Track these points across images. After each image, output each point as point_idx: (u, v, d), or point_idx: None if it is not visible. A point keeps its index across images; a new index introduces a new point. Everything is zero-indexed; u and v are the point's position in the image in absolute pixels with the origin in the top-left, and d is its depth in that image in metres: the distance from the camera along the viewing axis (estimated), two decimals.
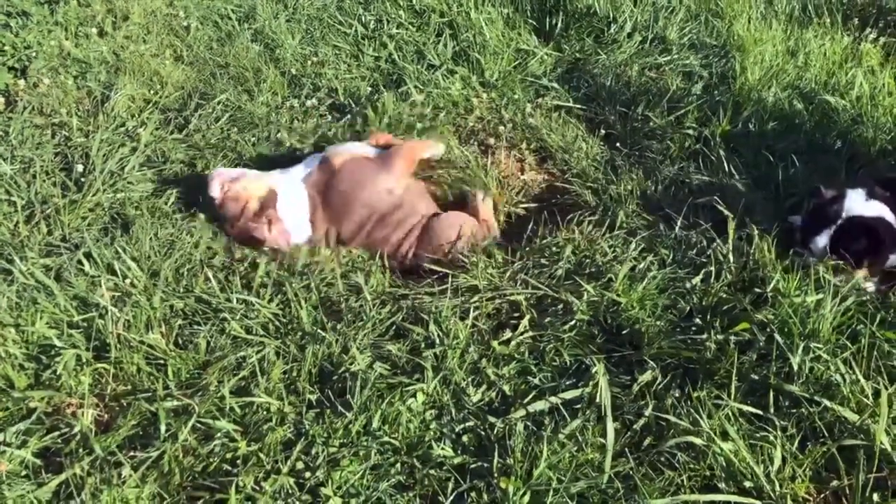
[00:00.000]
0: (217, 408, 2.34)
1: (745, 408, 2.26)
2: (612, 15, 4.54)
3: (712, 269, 2.82)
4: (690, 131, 3.66)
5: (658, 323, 2.65)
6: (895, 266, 2.85)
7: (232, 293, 2.77)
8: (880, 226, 2.77)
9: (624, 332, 2.64)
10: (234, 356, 2.50)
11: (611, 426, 2.16)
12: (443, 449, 2.26)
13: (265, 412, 2.35)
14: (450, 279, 2.85)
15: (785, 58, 4.09)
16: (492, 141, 3.80)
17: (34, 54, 4.21)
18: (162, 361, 2.50)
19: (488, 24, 4.50)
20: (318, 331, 2.61)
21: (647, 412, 2.30)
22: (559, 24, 4.56)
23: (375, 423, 2.31)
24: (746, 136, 3.59)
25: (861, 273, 2.79)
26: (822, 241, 2.84)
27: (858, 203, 2.85)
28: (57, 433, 2.30)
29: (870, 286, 2.80)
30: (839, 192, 2.90)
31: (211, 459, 2.23)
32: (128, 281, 2.77)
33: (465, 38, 4.42)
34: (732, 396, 2.30)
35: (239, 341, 2.59)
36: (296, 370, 2.51)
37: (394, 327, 2.69)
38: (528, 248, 3.08)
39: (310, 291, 2.84)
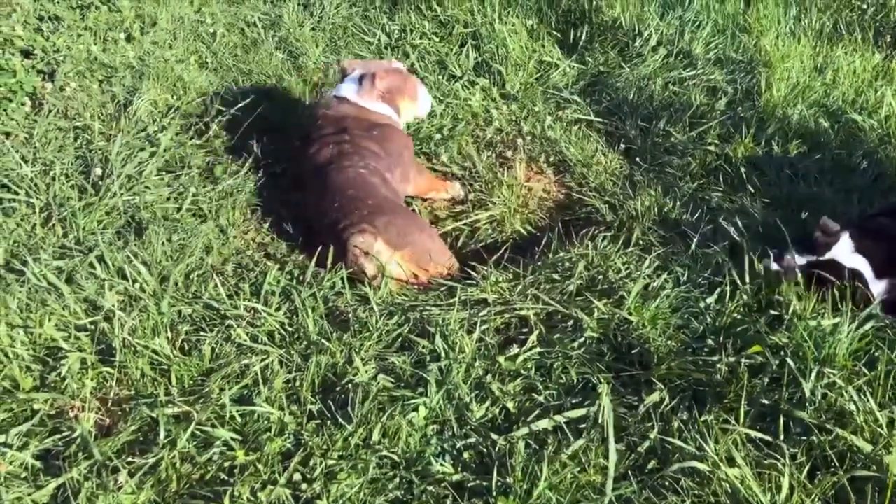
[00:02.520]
0: (217, 416, 2.33)
1: (754, 433, 2.20)
2: (637, 28, 4.51)
3: (727, 289, 2.76)
4: (712, 147, 3.61)
5: (669, 343, 2.59)
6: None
7: (240, 300, 2.77)
8: (853, 281, 2.73)
9: (634, 351, 2.59)
10: (238, 364, 2.49)
11: (613, 448, 2.11)
12: (442, 465, 2.22)
13: (265, 421, 2.34)
14: (458, 292, 2.82)
15: (812, 75, 4.02)
16: (509, 153, 3.77)
17: (63, 58, 4.27)
18: (166, 367, 2.50)
19: (512, 35, 4.49)
20: (323, 341, 2.59)
21: (653, 434, 2.24)
22: (583, 37, 4.54)
23: (375, 436, 2.28)
24: (769, 154, 3.52)
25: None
26: (800, 260, 2.82)
27: (844, 252, 2.83)
28: (58, 436, 2.30)
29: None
30: (836, 232, 2.85)
31: (208, 468, 2.21)
32: (137, 285, 2.77)
33: (488, 49, 4.42)
34: (741, 421, 2.24)
35: (244, 349, 2.58)
36: (299, 380, 2.49)
37: (400, 339, 2.67)
38: (540, 263, 3.03)
39: (317, 301, 2.82)
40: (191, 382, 2.48)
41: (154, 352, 2.52)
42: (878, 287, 2.74)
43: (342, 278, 2.97)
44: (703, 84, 4.07)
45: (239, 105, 3.95)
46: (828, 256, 2.80)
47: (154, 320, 2.64)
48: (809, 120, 3.67)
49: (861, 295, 2.69)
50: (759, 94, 3.89)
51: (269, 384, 2.44)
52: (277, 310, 2.76)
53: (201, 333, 2.64)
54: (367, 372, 2.50)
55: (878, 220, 2.94)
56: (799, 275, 2.73)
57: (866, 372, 2.37)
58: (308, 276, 2.96)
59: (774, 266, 2.79)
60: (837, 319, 2.48)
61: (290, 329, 2.70)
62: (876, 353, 2.45)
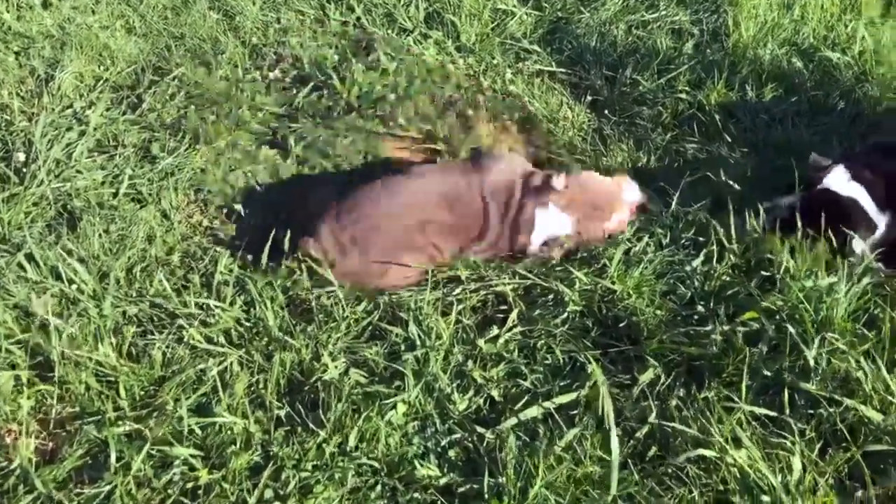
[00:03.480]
0: (175, 431, 2.10)
1: (759, 410, 2.06)
2: None
3: (714, 249, 2.60)
4: (683, 95, 3.41)
5: (657, 312, 2.43)
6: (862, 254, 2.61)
7: (190, 295, 2.52)
8: (851, 207, 2.56)
9: (621, 324, 2.42)
10: (194, 369, 2.26)
11: (615, 443, 1.94)
12: (427, 468, 2.04)
13: (229, 433, 2.12)
14: (430, 273, 2.61)
15: (781, 11, 3.81)
16: (471, 112, 3.52)
17: None
18: (113, 378, 2.26)
19: None
20: (286, 337, 2.37)
21: (651, 418, 2.09)
22: None
23: (352, 441, 2.09)
24: (743, 98, 3.34)
25: (858, 245, 2.58)
26: (788, 199, 2.65)
27: (839, 180, 2.64)
28: None
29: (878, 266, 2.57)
30: (828, 164, 2.68)
31: (169, 491, 1.99)
32: (74, 286, 2.50)
33: None
34: (744, 397, 2.09)
35: (199, 351, 2.34)
36: (262, 382, 2.27)
37: (370, 328, 2.46)
38: None
39: (275, 290, 2.58)
40: (142, 394, 2.24)
41: (98, 362, 2.26)
42: (881, 220, 2.59)
43: (300, 261, 2.73)
44: (668, 26, 3.85)
45: (173, 74, 3.62)
46: (821, 187, 2.63)
47: (96, 325, 2.38)
48: (782, 60, 3.49)
49: (863, 222, 2.53)
50: (727, 35, 3.69)
51: (229, 390, 2.22)
52: (232, 304, 2.51)
53: (149, 337, 2.40)
54: (336, 368, 2.29)
55: (872, 155, 2.77)
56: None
57: (868, 334, 2.24)
58: (263, 261, 2.71)
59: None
60: (833, 279, 2.34)
61: (247, 324, 2.47)
62: (876, 312, 2.32)
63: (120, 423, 2.11)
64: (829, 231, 2.48)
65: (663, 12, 3.94)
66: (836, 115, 3.21)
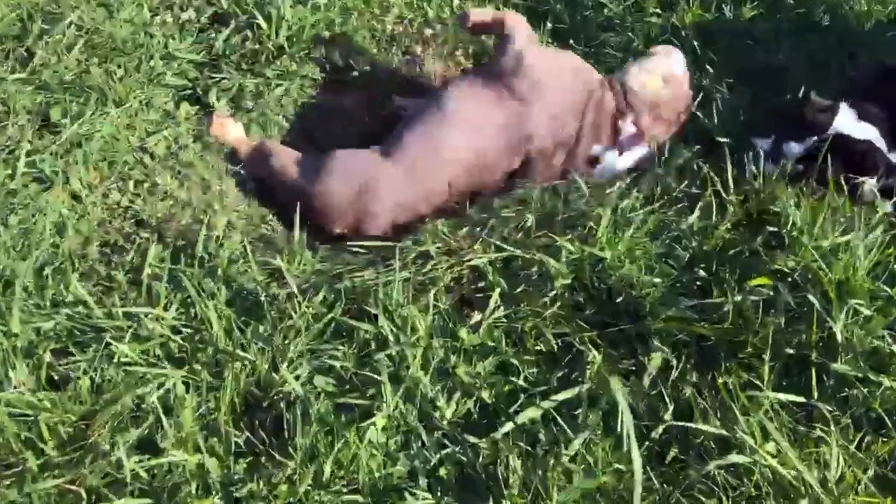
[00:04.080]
0: (113, 479, 1.76)
1: (787, 397, 1.83)
2: None
3: (711, 201, 2.33)
4: (654, 19, 3.07)
5: (655, 280, 2.16)
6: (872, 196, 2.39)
7: (116, 300, 2.13)
8: (868, 152, 2.32)
9: (617, 299, 2.15)
10: (129, 396, 1.90)
11: (638, 463, 1.68)
12: (418, 497, 1.76)
13: (180, 473, 1.79)
14: (397, 251, 2.27)
15: None
16: (418, 49, 3.12)
17: None
18: (31, 416, 1.88)
19: None
20: (236, 344, 2.02)
21: (667, 416, 1.84)
22: None
23: (327, 471, 1.78)
24: (721, 20, 3.02)
25: (869, 188, 2.36)
26: (798, 148, 2.38)
27: (849, 122, 2.38)
28: None
29: (888, 207, 2.35)
30: (831, 105, 2.41)
31: None
32: None
33: None
34: (766, 381, 1.86)
35: (133, 373, 1.97)
36: (213, 401, 1.93)
37: (333, 324, 2.12)
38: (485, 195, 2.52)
39: (217, 283, 2.21)
40: (69, 433, 1.88)
41: (9, 402, 1.88)
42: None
43: (244, 244, 2.36)
44: None
45: (68, 19, 3.08)
46: (832, 132, 2.37)
47: (4, 350, 1.98)
48: None
49: (884, 166, 2.29)
50: None
51: (174, 419, 1.87)
52: (167, 307, 2.14)
53: (72, 358, 2.01)
54: (298, 378, 1.96)
55: (870, 82, 2.51)
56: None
57: (889, 290, 2.02)
58: (199, 247, 2.32)
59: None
60: (849, 236, 2.09)
61: (188, 330, 2.10)
62: (894, 267, 2.10)
63: (45, 477, 1.75)
64: (848, 180, 2.25)
65: None
66: (822, 34, 2.93)
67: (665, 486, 1.75)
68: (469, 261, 2.28)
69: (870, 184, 2.31)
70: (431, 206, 2.66)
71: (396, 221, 2.64)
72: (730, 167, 2.34)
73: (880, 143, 2.33)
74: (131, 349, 1.99)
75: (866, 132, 2.34)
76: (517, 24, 2.67)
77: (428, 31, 3.16)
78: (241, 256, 2.34)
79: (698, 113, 2.62)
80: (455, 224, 2.44)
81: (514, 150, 2.63)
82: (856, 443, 1.75)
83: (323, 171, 2.63)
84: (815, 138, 2.36)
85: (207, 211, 2.57)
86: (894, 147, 2.35)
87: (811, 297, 1.95)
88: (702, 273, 2.18)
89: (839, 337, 1.88)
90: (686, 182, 2.42)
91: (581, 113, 2.63)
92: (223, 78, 2.94)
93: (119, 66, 2.95)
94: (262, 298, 2.18)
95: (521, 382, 1.97)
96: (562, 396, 1.91)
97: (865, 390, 1.81)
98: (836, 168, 2.31)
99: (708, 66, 2.86)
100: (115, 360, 1.99)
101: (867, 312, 1.95)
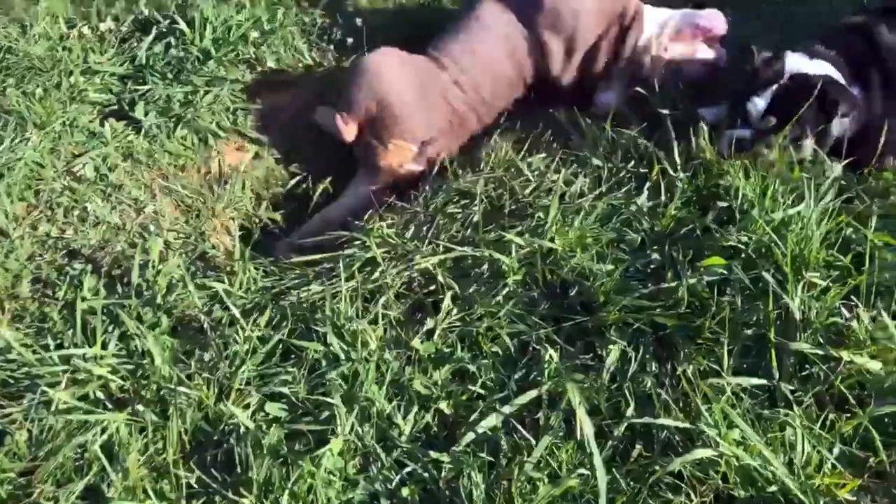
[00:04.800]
0: None
1: (749, 381, 1.79)
2: None
3: (659, 179, 2.27)
4: None
5: (608, 268, 2.10)
6: (842, 135, 2.33)
7: (50, 344, 2.03)
8: (829, 84, 2.24)
9: (571, 291, 2.09)
10: (70, 445, 1.81)
11: (601, 472, 1.63)
12: None
13: None
14: (341, 262, 2.18)
15: None
16: (350, 40, 3.00)
17: None
18: None
19: None
20: (180, 377, 1.93)
21: (629, 412, 1.79)
22: None
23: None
24: None
25: (809, 144, 2.31)
26: (761, 102, 2.30)
27: (802, 62, 2.31)
28: None
29: (838, 167, 2.30)
30: (777, 53, 2.34)
31: None
32: None
33: None
34: (726, 366, 1.82)
35: (74, 421, 1.88)
36: (160, 441, 1.85)
37: (280, 345, 2.04)
38: (428, 192, 2.43)
39: (157, 312, 2.12)
40: (9, 490, 1.79)
41: None
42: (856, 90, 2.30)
43: (182, 268, 2.26)
44: None
45: None
46: (787, 75, 2.29)
47: None
48: None
49: (846, 98, 2.23)
50: None
51: (119, 464, 1.79)
52: (105, 344, 2.04)
53: (6, 411, 1.91)
54: (248, 406, 1.89)
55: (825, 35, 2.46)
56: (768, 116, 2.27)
57: (844, 259, 1.99)
58: (134, 276, 2.22)
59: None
60: (800, 207, 2.05)
61: (130, 367, 2.01)
62: (849, 233, 2.06)
63: None
64: (813, 121, 2.21)
65: None
66: None
67: (631, 484, 1.71)
68: (418, 264, 2.20)
69: (838, 122, 2.25)
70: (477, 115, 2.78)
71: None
72: (674, 143, 2.28)
73: (838, 76, 2.27)
74: (69, 395, 1.90)
75: (822, 68, 2.28)
76: None
77: (358, 21, 3.03)
78: (182, 280, 2.24)
79: (640, 90, 2.54)
80: (401, 225, 2.37)
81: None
82: (820, 422, 1.72)
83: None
84: (775, 86, 2.28)
85: (143, 234, 2.46)
86: (852, 83, 2.29)
87: (765, 275, 1.90)
88: (655, 256, 2.13)
89: (796, 314, 1.84)
90: (633, 161, 2.35)
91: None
92: (149, 89, 2.81)
93: (38, 86, 2.81)
94: (206, 325, 2.09)
95: (479, 389, 1.91)
96: (521, 401, 1.85)
97: (826, 367, 1.77)
98: (804, 111, 2.24)
99: None
100: (54, 408, 1.89)
101: (823, 284, 1.91)
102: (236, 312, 2.05)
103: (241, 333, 2.04)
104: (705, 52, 2.71)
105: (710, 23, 2.68)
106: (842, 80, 2.29)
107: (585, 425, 1.65)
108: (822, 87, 2.21)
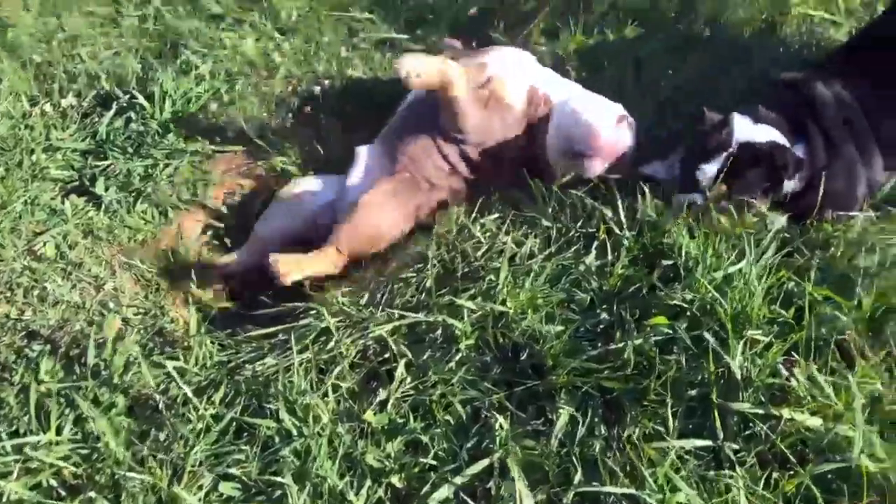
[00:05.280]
0: None
1: (692, 443, 1.81)
2: None
3: (604, 238, 2.31)
4: (543, 48, 3.05)
5: (558, 329, 2.13)
6: (792, 192, 2.39)
7: (3, 433, 2.04)
8: (777, 150, 2.31)
9: (522, 354, 2.11)
10: None
11: None
12: None
13: None
14: (292, 335, 2.21)
15: None
16: (307, 108, 3.06)
17: None
18: None
19: None
20: (132, 462, 1.94)
21: (577, 478, 1.81)
22: None
23: None
24: (605, 44, 3.01)
25: (763, 205, 2.36)
26: (712, 168, 2.35)
27: (747, 128, 2.37)
28: None
29: (782, 220, 2.36)
30: (725, 117, 2.40)
31: None
32: None
33: None
34: (671, 428, 1.84)
35: None
36: None
37: (234, 424, 2.05)
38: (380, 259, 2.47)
39: (114, 392, 2.13)
40: None
41: None
42: (799, 151, 2.35)
43: (139, 346, 2.29)
44: None
45: None
46: (736, 143, 2.32)
47: None
48: None
49: (791, 160, 2.28)
50: None
51: None
52: (60, 429, 2.05)
53: None
54: (202, 488, 1.90)
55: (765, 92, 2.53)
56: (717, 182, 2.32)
57: (785, 314, 2.02)
58: (90, 357, 2.24)
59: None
60: (742, 263, 2.09)
61: (85, 451, 2.02)
62: (790, 287, 2.09)
63: None
64: (763, 186, 2.29)
65: None
66: (706, 49, 2.93)
67: None
68: (372, 332, 2.23)
69: (761, 201, 2.32)
70: None
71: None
72: (620, 201, 2.33)
73: (783, 142, 2.32)
74: (22, 485, 1.90)
75: (767, 134, 2.33)
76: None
77: (316, 89, 3.10)
78: (140, 358, 2.26)
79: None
80: (355, 293, 2.40)
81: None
82: (763, 481, 1.73)
83: None
84: (724, 153, 2.34)
85: (102, 311, 2.48)
86: (795, 142, 2.35)
87: (706, 335, 1.93)
88: (604, 316, 2.16)
89: (737, 373, 1.87)
90: (581, 221, 2.39)
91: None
92: (109, 164, 2.85)
93: (1, 166, 2.85)
94: (160, 404, 2.10)
95: (431, 461, 1.93)
96: (472, 471, 1.87)
97: (768, 425, 1.80)
98: (753, 177, 2.31)
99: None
100: (5, 500, 1.89)
101: (765, 340, 1.95)
102: (189, 392, 2.07)
103: (195, 412, 2.05)
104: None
105: (586, 144, 2.47)
106: (786, 142, 2.34)
107: (525, 500, 1.66)
108: (771, 154, 2.28)
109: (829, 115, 2.36)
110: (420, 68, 2.33)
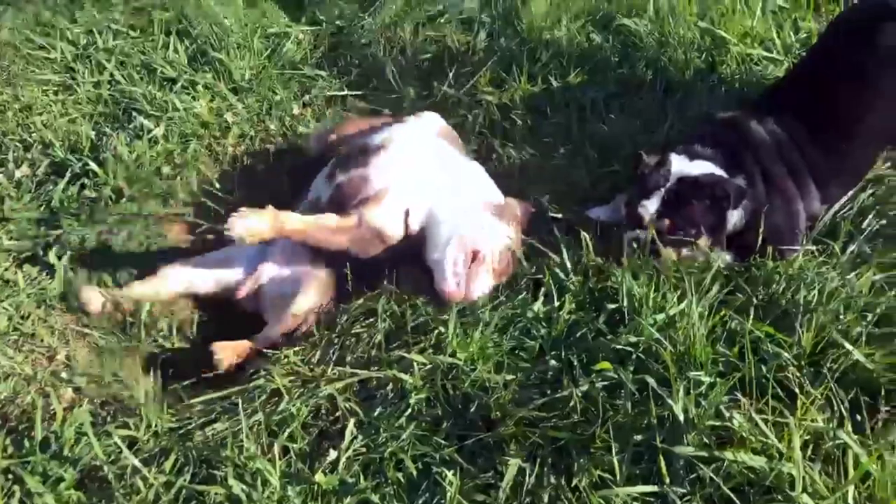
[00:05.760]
0: None
1: (637, 490, 1.81)
2: None
3: (550, 284, 2.33)
4: (490, 97, 3.11)
5: (508, 378, 2.14)
6: (737, 228, 2.44)
7: None
8: (714, 183, 2.35)
9: (471, 406, 2.11)
10: None
11: None
12: None
13: None
14: (241, 401, 2.20)
15: None
16: (260, 167, 3.09)
17: None
18: None
19: (224, 6, 3.69)
20: None
21: None
22: None
23: None
24: (549, 91, 3.07)
25: (704, 242, 2.40)
26: (652, 205, 2.39)
27: (685, 165, 2.42)
28: None
29: (727, 257, 2.40)
30: (662, 157, 2.44)
31: None
32: None
33: (200, 32, 3.60)
34: (618, 474, 1.84)
35: None
36: None
37: (184, 491, 2.04)
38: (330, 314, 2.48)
39: (66, 466, 2.11)
40: None
41: None
42: (741, 181, 2.40)
43: (92, 414, 2.27)
44: (457, 17, 3.53)
45: None
46: (673, 180, 2.38)
47: None
48: (581, 38, 3.24)
49: (733, 189, 2.33)
50: (518, 18, 3.40)
51: None
52: None
53: None
54: None
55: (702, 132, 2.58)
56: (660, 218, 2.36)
57: (729, 353, 2.04)
58: (37, 430, 2.21)
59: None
60: (683, 305, 2.11)
61: None
62: (732, 325, 2.12)
63: None
64: (707, 218, 2.33)
65: (448, 3, 3.61)
66: (647, 90, 2.99)
67: None
68: (323, 391, 2.23)
69: (705, 240, 2.36)
70: None
71: None
72: (563, 247, 2.36)
73: (721, 171, 2.37)
74: None
75: (703, 168, 2.37)
76: None
77: (269, 147, 3.13)
78: (92, 426, 2.24)
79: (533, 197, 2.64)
80: (307, 351, 2.40)
81: None
82: None
83: None
84: (663, 189, 2.38)
85: (54, 382, 2.46)
86: (734, 176, 2.39)
87: (648, 379, 1.95)
88: (553, 363, 2.16)
89: (680, 417, 1.88)
90: (528, 267, 2.42)
91: None
92: (63, 232, 2.86)
93: None
94: (110, 476, 2.08)
95: None
96: None
97: (712, 468, 1.80)
98: (695, 209, 2.34)
99: (544, 138, 2.89)
100: None
101: (708, 380, 1.96)
102: (137, 463, 2.05)
103: (145, 482, 2.03)
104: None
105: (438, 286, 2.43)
106: (724, 174, 2.39)
107: None
108: (711, 185, 2.32)
109: (765, 153, 2.42)
110: (252, 227, 2.34)
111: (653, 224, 2.37)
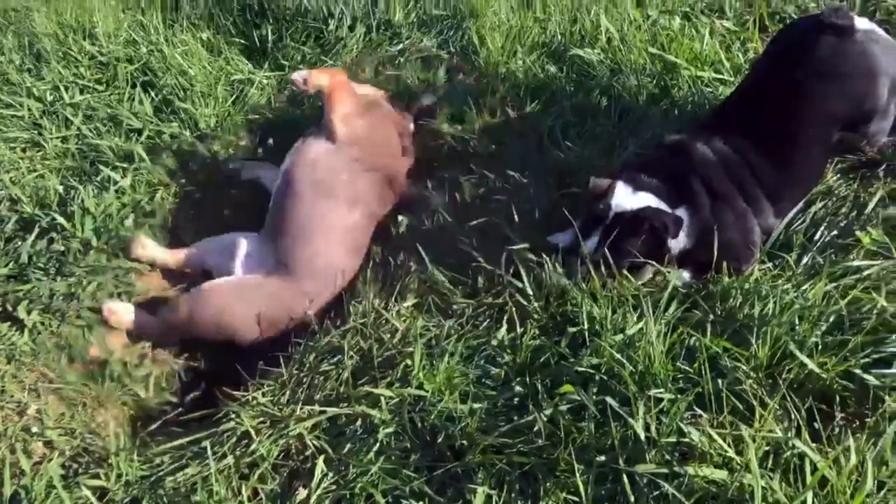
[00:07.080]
0: None
1: None
2: (326, 9, 3.91)
3: (513, 311, 2.37)
4: (445, 127, 3.17)
5: (475, 407, 2.16)
6: (686, 248, 2.48)
7: None
8: (652, 215, 2.39)
9: (439, 437, 2.13)
10: None
11: None
12: None
13: None
14: (210, 444, 2.21)
15: (522, 12, 3.65)
16: (227, 212, 3.13)
17: None
18: None
19: (187, 57, 3.75)
20: None
21: None
22: (269, 35, 3.89)
23: None
24: (507, 122, 3.13)
25: (648, 274, 2.45)
26: (592, 242, 2.44)
27: (625, 197, 2.46)
28: None
29: (685, 276, 2.45)
30: (609, 185, 2.48)
31: None
32: None
33: (165, 82, 3.65)
34: (583, 494, 1.86)
35: None
36: None
37: None
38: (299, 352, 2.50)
39: None
40: None
41: None
42: (682, 213, 2.43)
43: (64, 466, 2.27)
44: (416, 56, 3.60)
45: None
46: (612, 214, 2.42)
47: None
48: (536, 70, 3.32)
49: (670, 222, 2.36)
50: (476, 53, 3.48)
51: None
52: None
53: None
54: None
55: (649, 158, 2.63)
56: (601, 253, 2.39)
57: (688, 369, 2.07)
58: (7, 487, 2.21)
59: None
60: (640, 324, 2.15)
61: None
62: (691, 342, 2.15)
63: None
64: (646, 252, 2.36)
65: (407, 41, 3.69)
66: (602, 117, 3.06)
67: None
68: (293, 430, 2.24)
69: (649, 268, 2.40)
70: None
71: None
72: (524, 273, 2.40)
73: (661, 205, 2.41)
74: None
75: (643, 201, 2.41)
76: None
77: (233, 191, 3.17)
78: (63, 479, 2.24)
79: (496, 220, 2.68)
80: (276, 391, 2.41)
81: None
82: None
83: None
84: (601, 227, 2.42)
85: (24, 438, 2.46)
86: (675, 207, 2.43)
87: (609, 399, 1.97)
88: (518, 388, 2.19)
89: (641, 435, 1.90)
90: (491, 294, 2.45)
91: None
92: (32, 287, 2.87)
93: None
94: None
95: None
96: None
97: (675, 484, 1.82)
98: (629, 244, 2.38)
99: (504, 169, 2.94)
100: None
101: (669, 397, 1.99)
102: None
103: None
104: None
105: None
106: (663, 206, 2.43)
107: None
108: (647, 219, 2.36)
109: (712, 172, 2.47)
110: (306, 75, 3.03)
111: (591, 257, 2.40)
